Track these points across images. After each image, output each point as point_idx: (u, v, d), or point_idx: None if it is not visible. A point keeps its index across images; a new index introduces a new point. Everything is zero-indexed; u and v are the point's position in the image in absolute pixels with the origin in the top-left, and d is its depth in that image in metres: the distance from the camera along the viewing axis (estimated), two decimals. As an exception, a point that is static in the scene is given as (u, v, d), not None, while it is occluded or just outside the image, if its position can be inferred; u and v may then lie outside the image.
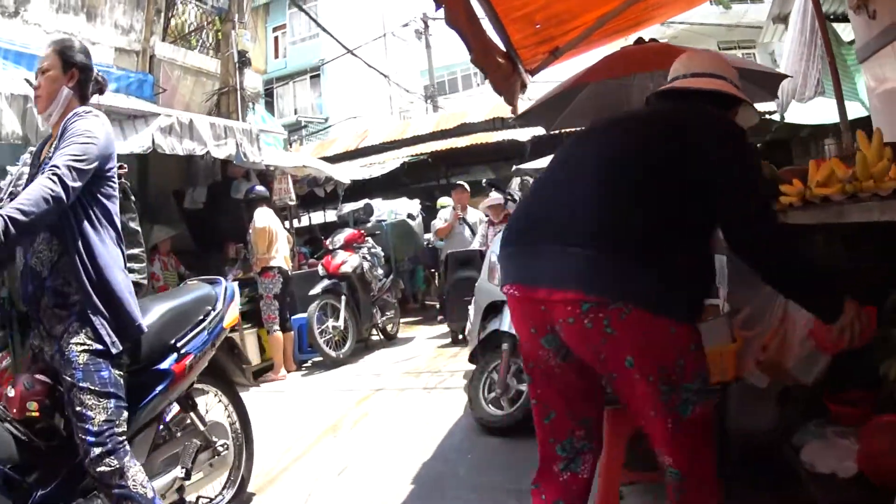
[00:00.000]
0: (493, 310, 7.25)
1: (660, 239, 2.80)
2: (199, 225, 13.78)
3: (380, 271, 13.45)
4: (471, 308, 8.63)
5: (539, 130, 16.72)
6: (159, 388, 4.25)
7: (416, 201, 18.10)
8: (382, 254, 13.88)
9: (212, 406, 5.40)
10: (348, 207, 16.74)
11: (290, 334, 11.62)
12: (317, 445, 7.20)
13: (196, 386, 4.99)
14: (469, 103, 32.62)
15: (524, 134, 18.55)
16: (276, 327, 11.06)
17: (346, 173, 15.96)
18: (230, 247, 12.97)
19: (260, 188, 11.75)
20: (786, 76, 8.72)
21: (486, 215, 12.55)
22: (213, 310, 4.95)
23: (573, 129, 14.07)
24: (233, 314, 5.23)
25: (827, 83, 8.74)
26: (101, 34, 13.53)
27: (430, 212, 17.75)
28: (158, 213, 12.98)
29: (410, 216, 16.60)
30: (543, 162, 17.14)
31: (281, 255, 11.20)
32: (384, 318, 13.65)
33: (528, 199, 3.56)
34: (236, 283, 9.84)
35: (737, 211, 2.88)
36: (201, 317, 4.79)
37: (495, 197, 11.88)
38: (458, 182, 13.66)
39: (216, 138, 10.50)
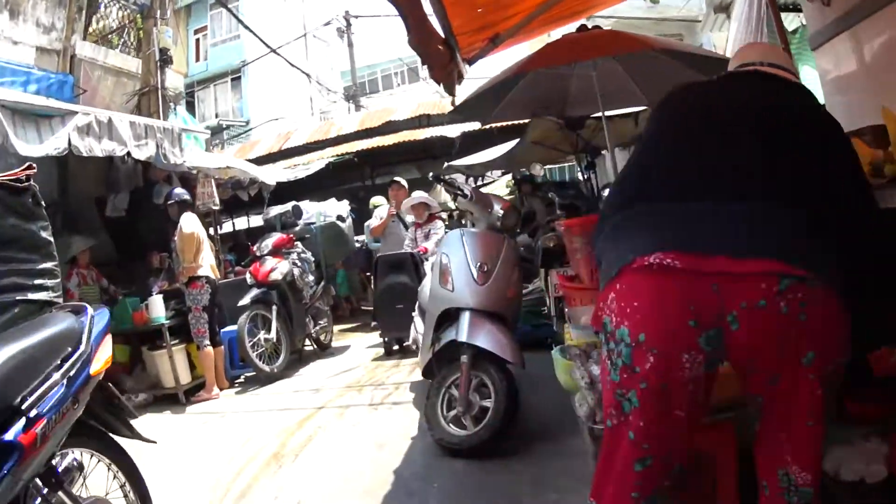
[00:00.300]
0: (447, 318, 6.72)
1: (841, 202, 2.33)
2: (121, 234, 13.00)
3: (311, 277, 12.57)
4: (416, 318, 8.24)
5: (468, 126, 17.56)
6: (3, 469, 2.94)
7: (345, 202, 16.96)
8: (313, 259, 13.09)
9: (92, 470, 4.16)
10: (275, 211, 15.96)
11: (221, 349, 10.89)
12: (259, 480, 6.40)
13: (64, 451, 3.78)
14: (392, 102, 32.44)
15: (453, 130, 18.25)
16: (207, 342, 10.31)
17: (272, 175, 15.29)
18: (154, 256, 12.24)
19: (180, 191, 10.92)
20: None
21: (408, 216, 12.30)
22: (76, 351, 3.71)
23: (508, 122, 14.10)
24: (105, 354, 4.01)
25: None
26: (23, 33, 13.03)
27: (360, 213, 17.25)
28: (78, 221, 12.20)
29: (340, 218, 15.64)
30: (476, 158, 17.35)
31: (208, 263, 10.52)
32: (317, 328, 12.94)
33: (654, 151, 2.82)
34: (160, 296, 10.50)
35: (855, 190, 2.44)
36: (58, 362, 3.55)
37: (418, 195, 11.92)
38: (395, 178, 13.02)
39: (136, 138, 9.95)
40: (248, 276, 11.52)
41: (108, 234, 12.86)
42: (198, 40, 39.76)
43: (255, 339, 10.84)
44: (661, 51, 7.79)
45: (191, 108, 35.84)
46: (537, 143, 13.89)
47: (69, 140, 8.72)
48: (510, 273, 6.78)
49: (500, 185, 26.03)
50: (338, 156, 19.51)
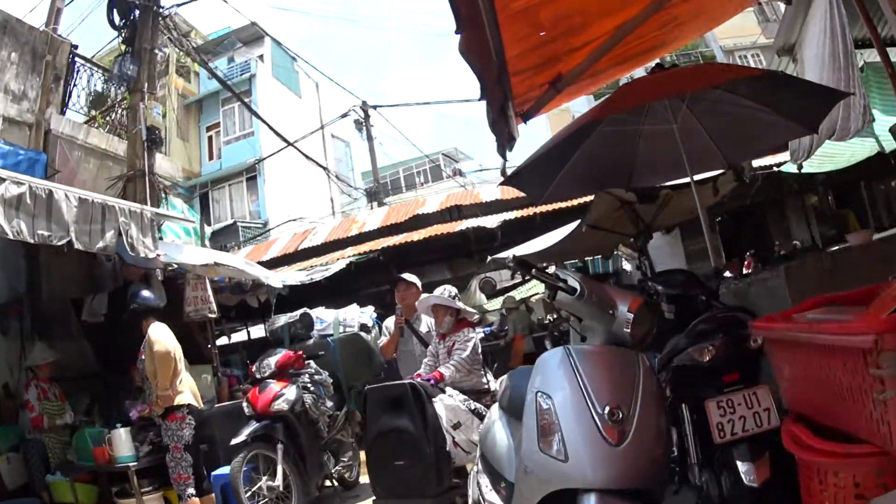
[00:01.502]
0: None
1: None
2: (103, 341, 10.94)
3: (329, 404, 9.65)
4: (479, 479, 5.15)
5: (509, 214, 16.04)
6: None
7: (370, 309, 13.36)
8: (330, 380, 10.04)
9: None
10: (283, 320, 12.67)
11: (211, 497, 8.29)
12: None
13: None
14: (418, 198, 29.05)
15: (491, 220, 16.16)
16: (191, 490, 7.80)
17: (278, 277, 12.49)
18: (135, 371, 9.29)
19: (147, 295, 8.52)
20: (847, 93, 6.89)
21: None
22: None
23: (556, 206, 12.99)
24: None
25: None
26: None
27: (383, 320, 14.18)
28: (51, 325, 10.73)
29: (364, 328, 12.26)
30: (523, 249, 14.02)
31: (187, 387, 8.10)
32: (339, 465, 10.03)
33: None
34: (126, 429, 8.14)
35: None
36: None
37: (437, 294, 7.85)
38: (401, 276, 8.98)
39: (85, 220, 7.77)
40: (245, 404, 8.69)
41: (89, 342, 11.01)
42: (210, 138, 38.37)
43: (254, 488, 8.21)
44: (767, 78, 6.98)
45: (205, 208, 35.39)
46: (594, 226, 11.33)
47: None
48: (655, 418, 3.67)
49: (534, 284, 23.34)
50: (360, 254, 17.00)
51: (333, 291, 15.99)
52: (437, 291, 7.89)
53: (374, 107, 29.10)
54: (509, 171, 7.71)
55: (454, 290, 8.00)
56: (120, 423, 8.45)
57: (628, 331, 3.90)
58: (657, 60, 7.06)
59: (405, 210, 21.17)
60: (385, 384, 7.64)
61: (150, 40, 12.89)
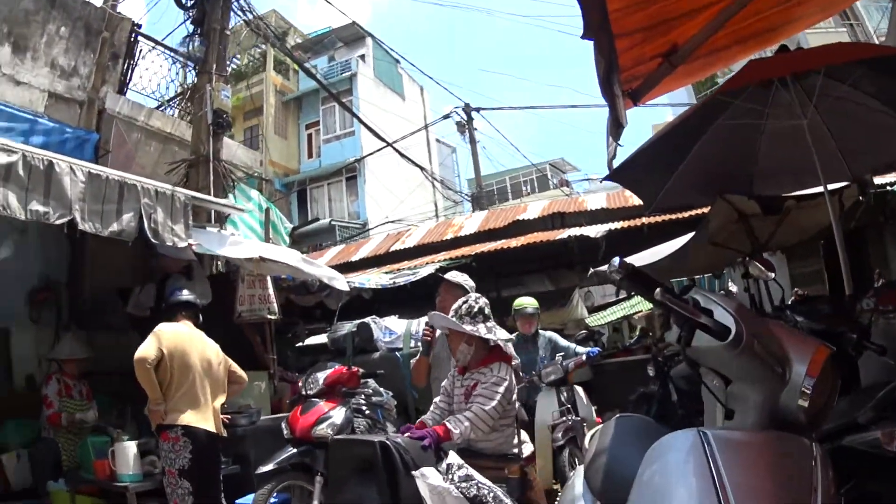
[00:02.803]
0: None
1: None
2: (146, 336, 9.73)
3: (390, 429, 7.93)
4: None
5: (614, 224, 14.66)
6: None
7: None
8: (394, 402, 8.47)
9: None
10: (346, 328, 11.45)
11: None
12: None
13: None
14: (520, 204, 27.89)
15: (595, 230, 14.47)
16: None
17: (342, 280, 10.71)
18: None
19: (182, 290, 7.42)
20: None
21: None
22: None
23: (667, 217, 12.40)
24: None
25: None
26: (31, 73, 10.37)
27: None
28: (93, 316, 10.09)
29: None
30: (636, 261, 12.52)
31: (194, 406, 6.72)
32: None
33: None
34: (133, 443, 7.03)
35: None
36: None
37: (451, 315, 5.62)
38: (444, 276, 7.26)
39: (96, 198, 6.70)
40: (283, 426, 7.25)
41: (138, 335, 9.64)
42: (310, 135, 38.24)
43: None
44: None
45: (303, 205, 35.87)
46: (710, 241, 9.60)
47: None
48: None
49: (637, 300, 21.73)
50: (451, 259, 15.28)
51: (421, 299, 14.36)
52: (455, 306, 5.60)
53: (477, 109, 27.95)
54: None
55: (480, 303, 5.58)
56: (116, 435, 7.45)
57: (805, 404, 2.36)
58: (781, 43, 6.23)
59: (505, 215, 19.77)
60: (351, 438, 5.95)
61: (220, 20, 11.97)
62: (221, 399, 7.08)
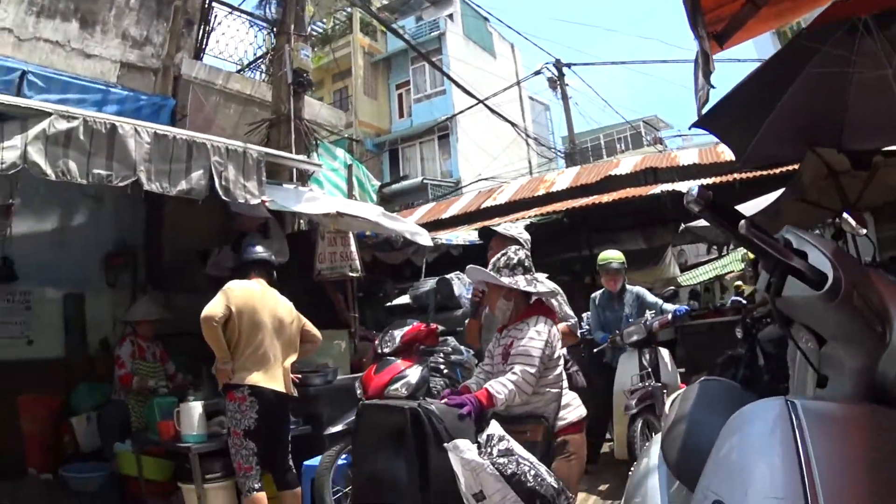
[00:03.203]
0: None
1: None
2: None
3: None
4: None
5: (706, 180, 14.27)
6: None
7: (542, 276, 10.94)
8: (474, 360, 7.83)
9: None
10: (430, 284, 11.24)
11: (297, 493, 6.79)
12: None
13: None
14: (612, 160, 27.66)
15: (687, 186, 13.41)
16: (256, 484, 6.44)
17: (426, 235, 10.46)
18: None
19: (256, 247, 7.32)
20: None
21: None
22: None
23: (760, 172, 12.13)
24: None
25: None
26: (100, 45, 10.42)
27: (572, 292, 12.51)
28: (173, 278, 10.26)
29: None
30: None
31: (262, 365, 6.59)
32: None
33: None
34: (199, 403, 6.95)
35: None
36: None
37: (487, 268, 5.16)
38: (493, 227, 6.58)
39: (163, 158, 6.69)
40: (357, 386, 7.01)
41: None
42: (400, 95, 38.39)
43: (347, 489, 6.59)
44: None
45: (395, 165, 36.13)
46: (800, 197, 9.21)
47: (24, 153, 5.77)
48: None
49: (729, 261, 21.17)
50: (543, 215, 15.16)
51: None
52: (493, 259, 5.11)
53: (569, 65, 27.45)
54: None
55: (521, 254, 5.07)
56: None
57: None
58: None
59: (597, 171, 19.33)
60: (384, 403, 5.36)
61: (297, -21, 11.90)
62: (293, 358, 6.95)
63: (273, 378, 6.64)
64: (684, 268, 23.58)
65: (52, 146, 5.98)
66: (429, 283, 11.09)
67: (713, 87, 4.69)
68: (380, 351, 7.34)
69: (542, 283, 5.14)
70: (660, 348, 8.39)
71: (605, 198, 15.02)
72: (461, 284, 10.64)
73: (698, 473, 1.92)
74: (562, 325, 5.74)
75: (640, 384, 7.86)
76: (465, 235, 13.73)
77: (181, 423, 6.78)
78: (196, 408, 6.79)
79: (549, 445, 4.64)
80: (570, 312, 6.20)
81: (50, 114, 6.06)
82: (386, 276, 12.96)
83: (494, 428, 4.22)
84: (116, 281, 9.95)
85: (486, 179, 28.45)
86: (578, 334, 6.48)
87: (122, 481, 7.77)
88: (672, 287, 9.02)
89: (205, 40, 12.23)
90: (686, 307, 8.79)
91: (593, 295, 9.31)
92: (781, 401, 1.78)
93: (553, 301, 5.58)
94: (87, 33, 10.20)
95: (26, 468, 8.30)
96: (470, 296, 10.02)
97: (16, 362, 8.77)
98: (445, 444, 4.04)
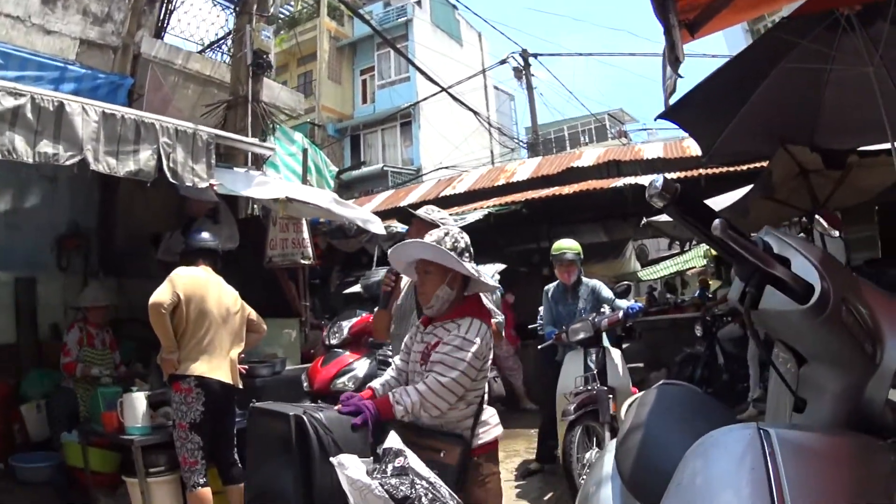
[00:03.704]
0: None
1: None
2: None
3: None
4: None
5: (670, 175, 13.08)
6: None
7: (495, 266, 10.08)
8: None
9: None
10: (380, 274, 10.77)
11: (242, 488, 6.30)
12: None
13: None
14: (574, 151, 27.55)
15: (650, 179, 13.32)
16: (200, 479, 6.24)
17: (380, 223, 10.28)
18: None
19: (201, 233, 7.12)
20: None
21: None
22: None
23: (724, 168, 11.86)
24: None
25: None
26: (60, 22, 10.20)
27: (530, 284, 13.21)
28: (125, 263, 10.41)
29: None
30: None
31: (209, 355, 6.42)
32: None
33: None
34: (142, 394, 6.80)
35: None
36: None
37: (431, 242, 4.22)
38: (413, 211, 5.85)
39: (111, 139, 6.55)
40: (303, 379, 6.90)
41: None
42: (364, 81, 38.31)
43: None
44: None
45: (356, 151, 35.98)
46: (768, 195, 9.04)
47: None
48: None
49: (691, 256, 21.22)
50: (502, 205, 15.04)
51: (473, 247, 14.03)
52: (434, 238, 4.21)
53: (535, 55, 27.29)
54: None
55: (466, 239, 4.32)
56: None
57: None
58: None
59: (559, 162, 19.21)
60: (269, 407, 4.37)
61: (259, -41, 11.73)
62: (239, 349, 6.78)
63: (219, 369, 6.48)
64: (646, 263, 23.58)
65: (2, 126, 5.81)
66: (380, 273, 10.61)
67: (681, 76, 4.57)
68: (327, 343, 7.27)
69: (485, 275, 4.48)
70: (610, 348, 7.68)
71: (566, 189, 15.01)
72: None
73: (654, 492, 1.79)
74: None
75: (584, 387, 7.22)
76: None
77: (124, 414, 6.61)
78: (139, 399, 6.62)
79: (466, 469, 4.03)
80: (495, 308, 5.44)
81: None
82: (333, 264, 12.83)
83: (393, 441, 3.57)
84: (69, 265, 9.89)
85: (447, 168, 28.33)
86: (502, 332, 5.75)
87: (71, 472, 7.65)
88: (626, 282, 8.42)
89: (166, 19, 12.04)
90: (639, 305, 8.05)
91: (547, 287, 8.70)
92: (753, 428, 1.58)
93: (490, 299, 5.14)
94: (48, 8, 10.01)
95: None
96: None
97: None
98: (332, 459, 3.47)
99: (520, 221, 15.23)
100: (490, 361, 4.24)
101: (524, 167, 20.25)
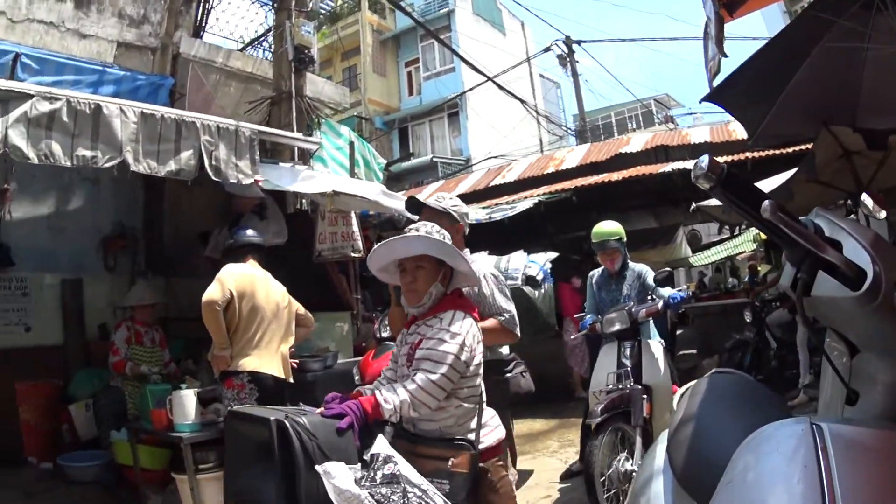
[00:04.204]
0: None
1: None
2: None
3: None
4: None
5: (717, 159, 12.38)
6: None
7: (544, 256, 10.05)
8: None
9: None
10: None
11: None
12: None
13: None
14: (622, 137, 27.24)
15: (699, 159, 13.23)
16: None
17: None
18: None
19: (247, 229, 7.19)
20: None
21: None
22: None
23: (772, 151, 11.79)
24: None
25: None
26: (97, 25, 10.26)
27: (579, 271, 12.73)
28: (174, 262, 10.40)
29: (530, 281, 9.09)
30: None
31: (261, 350, 6.48)
32: None
33: None
34: (191, 391, 6.67)
35: None
36: None
37: (421, 232, 3.97)
38: (421, 201, 5.47)
39: (151, 139, 6.52)
40: (355, 372, 6.79)
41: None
42: (409, 73, 38.13)
43: None
44: None
45: (404, 142, 35.80)
46: (812, 178, 8.85)
47: (4, 137, 5.62)
48: None
49: (742, 241, 20.90)
50: (551, 193, 14.95)
51: (522, 235, 13.76)
52: (414, 232, 3.96)
53: (578, 42, 27.16)
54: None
55: (443, 233, 4.03)
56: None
57: None
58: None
59: (608, 148, 19.05)
60: (248, 412, 3.98)
61: (297, -46, 11.74)
62: (288, 343, 6.81)
63: (271, 364, 6.54)
64: (697, 249, 23.29)
65: (35, 128, 5.83)
66: None
67: (726, 55, 4.44)
68: (378, 335, 7.18)
69: (467, 267, 4.05)
70: (650, 342, 6.86)
71: (615, 176, 14.85)
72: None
73: (706, 486, 1.69)
74: (491, 322, 4.89)
75: (615, 385, 6.41)
76: (473, 214, 13.27)
77: (174, 411, 6.54)
78: (189, 396, 6.55)
79: (477, 477, 3.75)
80: (506, 305, 5.13)
81: (31, 95, 5.90)
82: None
83: (380, 446, 3.22)
84: (115, 265, 9.94)
85: (495, 157, 28.09)
86: (517, 332, 5.22)
87: (120, 469, 7.64)
88: (666, 269, 7.70)
89: (204, 18, 12.04)
90: (681, 294, 7.14)
91: (592, 272, 7.99)
92: (805, 423, 1.52)
93: (485, 289, 4.95)
94: (82, 13, 10.03)
95: (25, 457, 8.29)
96: (516, 276, 9.41)
97: (13, 349, 8.75)
98: (317, 468, 3.08)
99: (570, 209, 14.96)
100: (481, 358, 3.92)
101: (573, 154, 20.05)
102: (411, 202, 5.47)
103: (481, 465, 3.75)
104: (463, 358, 3.67)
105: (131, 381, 8.02)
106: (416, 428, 3.75)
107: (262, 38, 13.35)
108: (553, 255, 9.92)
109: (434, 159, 33.40)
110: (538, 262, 9.47)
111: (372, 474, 3.06)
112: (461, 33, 34.15)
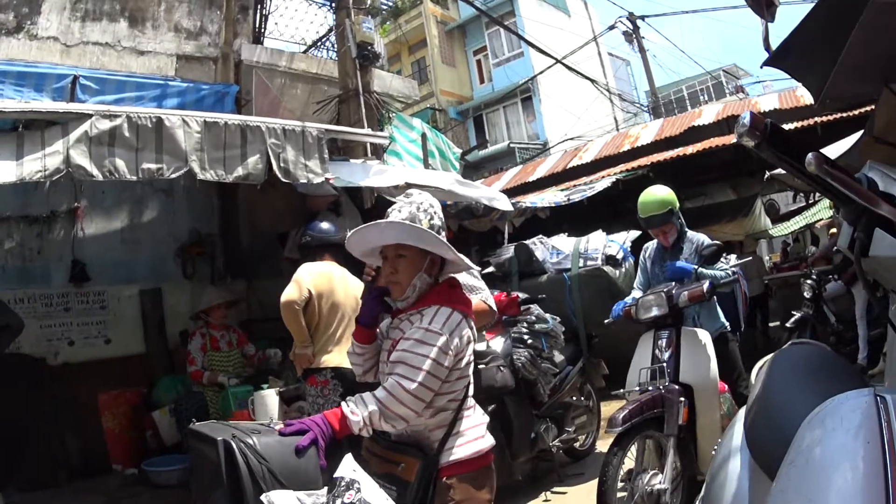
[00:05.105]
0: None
1: None
2: None
3: (558, 359, 7.24)
4: None
5: (787, 126, 12.60)
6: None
7: (625, 236, 9.84)
8: (562, 328, 7.46)
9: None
10: (511, 251, 10.15)
11: None
12: None
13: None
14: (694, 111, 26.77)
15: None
16: None
17: (505, 200, 10.08)
18: None
19: (321, 227, 6.76)
20: None
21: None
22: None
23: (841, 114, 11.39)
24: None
25: None
26: (154, 41, 10.41)
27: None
28: (253, 264, 10.52)
29: (611, 261, 9.11)
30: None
31: (343, 347, 6.22)
32: (565, 434, 7.40)
33: None
34: (272, 391, 6.85)
35: None
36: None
37: (401, 220, 3.33)
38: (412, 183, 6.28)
39: (216, 146, 6.65)
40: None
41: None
42: (479, 61, 37.98)
43: None
44: None
45: (480, 131, 35.71)
46: (879, 139, 7.71)
47: (66, 158, 5.80)
48: None
49: (819, 209, 20.37)
50: (628, 171, 14.82)
51: (600, 214, 13.67)
52: (396, 214, 3.37)
53: (642, 17, 26.97)
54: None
55: (441, 214, 3.48)
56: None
57: None
58: None
59: (680, 122, 18.73)
60: (201, 430, 3.31)
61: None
62: None
63: None
64: (776, 218, 22.76)
65: (97, 147, 5.93)
66: (510, 250, 10.20)
67: (771, 21, 4.15)
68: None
69: (459, 257, 3.45)
70: (694, 330, 5.74)
71: (690, 149, 14.65)
72: (544, 249, 9.82)
73: (779, 463, 1.60)
74: (475, 302, 4.23)
75: (649, 383, 5.43)
76: (552, 197, 13.35)
77: (256, 412, 6.64)
78: (270, 396, 6.63)
79: (427, 489, 3.15)
80: (479, 283, 4.82)
81: (90, 115, 6.01)
82: (473, 245, 12.65)
83: (346, 468, 2.75)
84: (195, 272, 10.10)
85: (572, 139, 27.93)
86: (494, 309, 4.81)
87: (206, 472, 7.69)
88: (715, 242, 6.34)
89: (263, 24, 12.07)
90: (729, 272, 6.10)
91: (646, 245, 6.94)
92: (870, 395, 1.44)
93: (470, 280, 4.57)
94: (137, 31, 10.16)
95: (111, 464, 8.66)
96: (555, 261, 9.21)
97: (95, 361, 9.00)
98: (262, 498, 2.64)
99: (648, 185, 14.58)
100: (470, 358, 3.33)
101: (647, 130, 19.82)
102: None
103: (445, 479, 3.16)
104: (445, 363, 3.11)
105: (210, 386, 8.17)
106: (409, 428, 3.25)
107: (325, 39, 13.33)
108: (635, 233, 9.55)
109: (511, 145, 33.29)
110: (618, 241, 9.39)
111: (334, 501, 2.63)
112: (526, 18, 33.91)
